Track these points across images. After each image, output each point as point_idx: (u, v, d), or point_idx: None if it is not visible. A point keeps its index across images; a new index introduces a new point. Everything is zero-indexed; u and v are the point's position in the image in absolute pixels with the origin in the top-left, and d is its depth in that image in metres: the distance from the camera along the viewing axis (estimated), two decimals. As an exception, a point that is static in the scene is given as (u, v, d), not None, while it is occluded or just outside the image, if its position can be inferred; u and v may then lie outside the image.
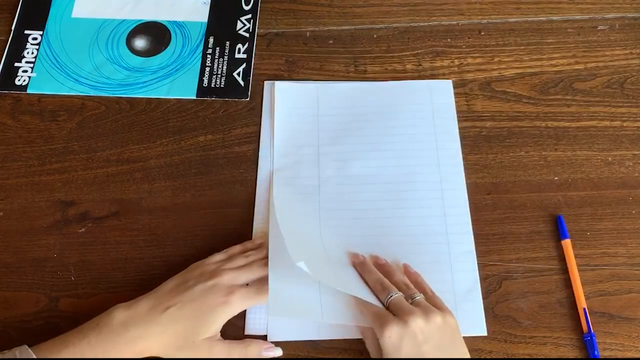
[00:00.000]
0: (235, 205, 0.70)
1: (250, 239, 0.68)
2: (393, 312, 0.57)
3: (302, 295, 0.61)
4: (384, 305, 0.59)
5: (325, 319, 0.61)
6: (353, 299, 0.60)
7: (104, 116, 0.76)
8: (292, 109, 0.75)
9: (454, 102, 0.75)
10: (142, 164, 0.73)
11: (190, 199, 0.71)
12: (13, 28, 0.82)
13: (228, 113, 0.76)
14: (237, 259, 0.63)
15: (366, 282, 0.62)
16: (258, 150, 0.73)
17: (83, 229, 0.69)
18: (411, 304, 0.58)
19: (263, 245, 0.66)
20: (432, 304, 0.59)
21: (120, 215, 0.70)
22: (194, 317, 0.58)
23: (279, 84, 0.77)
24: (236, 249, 0.66)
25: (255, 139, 0.74)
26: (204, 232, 0.69)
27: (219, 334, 0.60)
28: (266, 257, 0.64)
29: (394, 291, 0.59)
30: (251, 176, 0.72)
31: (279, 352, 0.62)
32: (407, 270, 0.65)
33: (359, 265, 0.65)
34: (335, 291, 0.60)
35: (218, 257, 0.64)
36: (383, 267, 0.64)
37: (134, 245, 0.68)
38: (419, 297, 0.59)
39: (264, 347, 0.61)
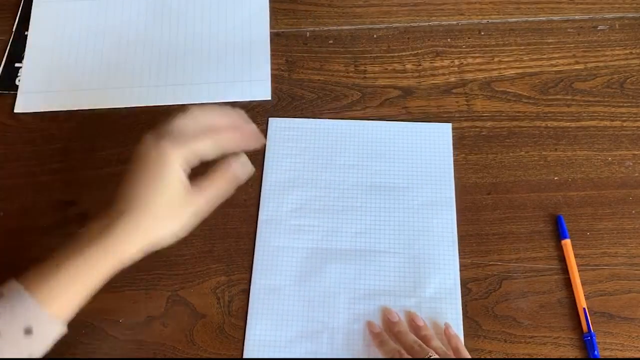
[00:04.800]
0: (235, 205, 0.70)
1: (252, 240, 0.68)
2: None
3: None
4: None
5: None
6: None
7: (104, 116, 0.76)
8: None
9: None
10: (142, 164, 0.73)
11: (190, 199, 0.71)
12: (14, 28, 0.82)
13: (228, 113, 0.76)
14: None
15: (401, 345, 0.60)
16: (261, 150, 0.73)
17: (83, 229, 0.69)
18: None
19: None
20: None
21: (120, 215, 0.70)
22: None
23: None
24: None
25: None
26: (204, 232, 0.69)
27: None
28: None
29: (431, 352, 0.57)
30: (251, 176, 0.72)
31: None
32: (447, 332, 0.62)
33: (393, 325, 0.62)
34: None
35: None
36: (420, 330, 0.62)
37: (134, 245, 0.68)
38: None
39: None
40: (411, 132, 0.74)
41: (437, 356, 0.57)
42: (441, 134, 0.74)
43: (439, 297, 0.65)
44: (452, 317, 0.64)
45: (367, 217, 0.70)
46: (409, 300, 0.65)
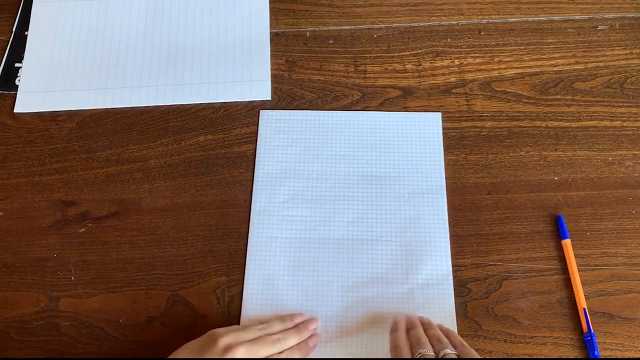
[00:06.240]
0: (235, 205, 0.70)
1: (247, 240, 0.68)
2: None
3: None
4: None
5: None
6: None
7: (104, 116, 0.76)
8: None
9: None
10: (142, 164, 0.73)
11: (190, 199, 0.71)
12: (14, 28, 0.82)
13: (228, 113, 0.76)
14: (251, 330, 0.61)
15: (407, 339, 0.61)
16: (253, 142, 0.73)
17: (83, 229, 0.69)
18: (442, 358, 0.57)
19: (280, 320, 0.64)
20: (465, 353, 0.58)
21: (120, 215, 0.70)
22: None
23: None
24: (255, 323, 0.64)
25: (255, 139, 0.74)
26: (204, 232, 0.69)
27: None
28: (280, 332, 0.62)
29: (425, 349, 0.57)
30: (251, 176, 0.72)
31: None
32: (440, 327, 0.63)
33: (398, 322, 0.63)
34: None
35: (234, 327, 0.62)
36: (420, 320, 0.63)
37: (134, 245, 0.68)
38: (450, 352, 0.57)
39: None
40: (401, 121, 0.75)
41: (453, 352, 0.58)
42: (431, 123, 0.75)
43: (431, 284, 0.66)
44: (445, 303, 0.65)
45: (358, 206, 0.70)
46: (401, 288, 0.66)
